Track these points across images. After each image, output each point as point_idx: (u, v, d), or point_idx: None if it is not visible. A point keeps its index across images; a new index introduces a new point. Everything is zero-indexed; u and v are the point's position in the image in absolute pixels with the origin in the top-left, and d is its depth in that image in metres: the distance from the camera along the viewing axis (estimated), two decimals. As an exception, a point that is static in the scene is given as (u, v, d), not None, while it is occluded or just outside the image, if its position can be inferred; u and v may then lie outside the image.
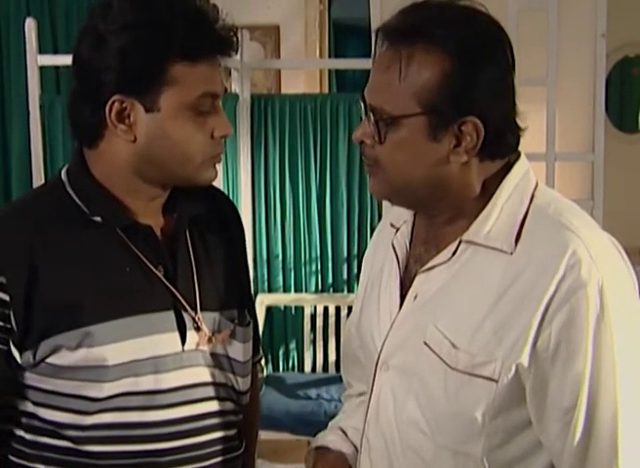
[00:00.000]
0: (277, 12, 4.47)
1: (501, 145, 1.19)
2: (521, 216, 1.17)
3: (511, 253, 1.15)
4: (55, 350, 1.25)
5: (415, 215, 1.32)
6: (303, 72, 4.56)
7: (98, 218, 1.29)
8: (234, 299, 1.41)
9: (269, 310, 3.97)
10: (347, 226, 3.94)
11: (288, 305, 4.01)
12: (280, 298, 3.99)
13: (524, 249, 1.15)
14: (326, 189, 3.91)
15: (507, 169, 1.21)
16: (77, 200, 1.30)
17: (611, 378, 1.10)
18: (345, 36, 5.39)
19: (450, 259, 1.20)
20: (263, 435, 3.50)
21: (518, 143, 1.21)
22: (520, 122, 1.20)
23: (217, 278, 1.39)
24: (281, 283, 3.99)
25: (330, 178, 3.91)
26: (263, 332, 3.89)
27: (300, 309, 3.99)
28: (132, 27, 1.21)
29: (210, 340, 1.34)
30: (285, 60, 4.46)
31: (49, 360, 1.26)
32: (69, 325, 1.24)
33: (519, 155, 1.23)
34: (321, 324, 3.96)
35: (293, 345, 4.01)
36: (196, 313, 1.32)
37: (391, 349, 1.25)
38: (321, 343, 3.96)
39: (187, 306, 1.32)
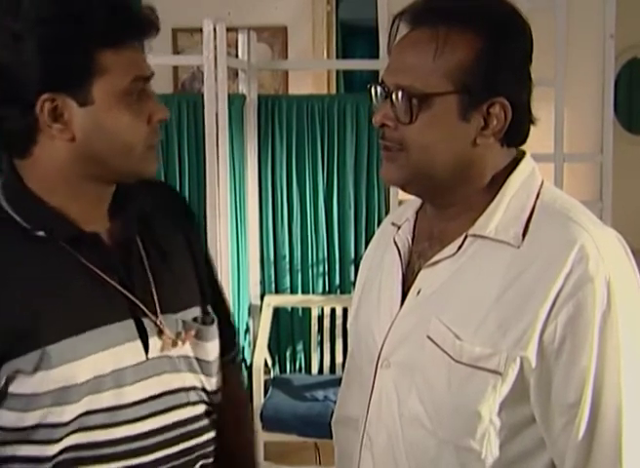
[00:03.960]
0: (285, 13, 4.47)
1: (521, 131, 1.21)
2: (528, 211, 1.18)
3: (518, 247, 1.15)
4: (14, 376, 1.17)
5: (417, 213, 1.32)
6: (311, 73, 4.56)
7: (41, 233, 1.21)
8: (195, 297, 1.35)
9: (276, 311, 3.96)
10: (355, 227, 3.93)
11: (295, 307, 4.00)
12: (287, 300, 3.98)
13: (531, 242, 1.15)
14: (333, 190, 3.90)
15: (514, 166, 1.22)
16: (15, 216, 1.21)
17: (615, 374, 1.10)
18: (353, 37, 5.39)
19: (455, 254, 1.20)
20: (270, 437, 3.51)
21: (528, 134, 1.23)
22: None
23: (174, 277, 1.32)
24: (288, 284, 3.98)
25: (337, 179, 3.90)
26: (271, 334, 3.88)
27: (307, 311, 3.98)
28: (49, 21, 1.14)
29: (174, 344, 1.27)
30: (292, 61, 4.46)
31: (10, 389, 1.18)
32: (25, 347, 1.16)
33: (524, 153, 1.24)
34: (328, 325, 3.94)
35: (300, 347, 4.01)
36: (157, 317, 1.26)
37: (393, 345, 1.24)
38: (328, 345, 3.95)
39: (147, 311, 1.26)
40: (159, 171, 3.59)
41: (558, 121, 3.45)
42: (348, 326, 1.46)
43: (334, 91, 4.62)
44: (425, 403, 1.19)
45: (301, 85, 4.46)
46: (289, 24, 4.47)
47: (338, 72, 4.69)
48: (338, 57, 4.72)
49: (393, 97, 1.17)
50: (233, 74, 3.93)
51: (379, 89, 1.20)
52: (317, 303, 3.95)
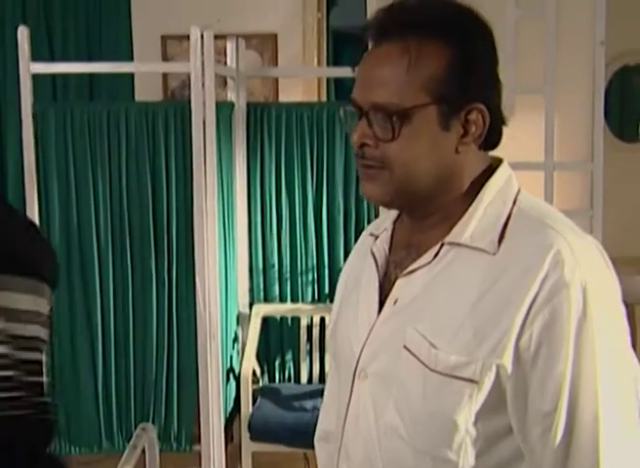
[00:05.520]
0: (275, 20, 4.46)
1: (496, 133, 1.20)
2: (504, 218, 1.17)
3: (494, 254, 1.14)
4: None
5: (395, 223, 1.30)
6: (301, 81, 4.54)
7: None
8: None
9: (265, 320, 3.94)
10: (344, 235, 3.91)
11: (284, 316, 3.98)
12: (276, 309, 3.95)
13: (507, 249, 1.13)
14: (322, 198, 3.89)
15: (490, 174, 1.21)
16: None
17: (592, 381, 1.08)
18: (343, 44, 5.38)
19: (431, 262, 1.18)
20: (258, 447, 3.48)
21: (501, 135, 1.21)
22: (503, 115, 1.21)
23: None
24: (277, 293, 3.95)
25: (326, 187, 3.88)
26: (259, 343, 3.85)
27: (296, 319, 3.96)
28: None
29: None
30: (281, 68, 4.44)
31: None
32: None
33: (501, 161, 1.23)
34: (317, 334, 3.92)
35: (289, 356, 3.98)
36: None
37: (370, 355, 1.22)
38: (317, 354, 3.92)
39: None
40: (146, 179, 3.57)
41: (548, 129, 3.43)
42: (327, 337, 1.44)
43: (324, 98, 4.60)
44: (402, 413, 1.17)
45: (292, 93, 4.45)
46: (279, 32, 4.46)
47: (328, 80, 4.68)
48: (328, 64, 4.71)
49: (370, 115, 1.15)
50: (223, 82, 3.91)
51: (350, 108, 1.18)
52: (306, 312, 3.92)
